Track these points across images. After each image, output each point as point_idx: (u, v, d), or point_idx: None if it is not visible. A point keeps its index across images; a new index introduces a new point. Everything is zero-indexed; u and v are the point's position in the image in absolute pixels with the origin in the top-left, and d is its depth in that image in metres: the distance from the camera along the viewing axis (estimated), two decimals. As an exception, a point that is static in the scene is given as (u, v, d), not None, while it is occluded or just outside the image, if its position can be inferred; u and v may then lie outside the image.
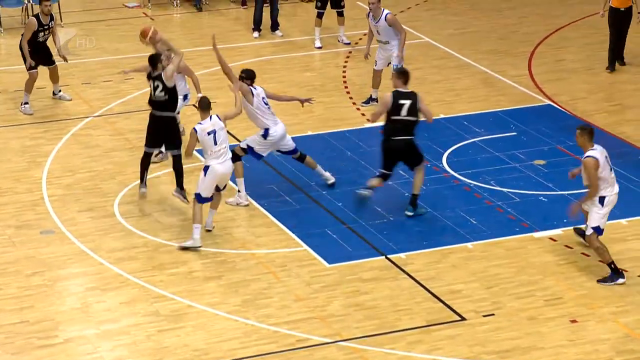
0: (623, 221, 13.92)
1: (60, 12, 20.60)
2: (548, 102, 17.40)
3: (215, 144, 13.24)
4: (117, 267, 12.93)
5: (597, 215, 12.56)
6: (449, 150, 15.74)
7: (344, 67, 18.92)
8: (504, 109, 17.10)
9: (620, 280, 12.60)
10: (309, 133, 16.45)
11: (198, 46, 19.69)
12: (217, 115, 13.42)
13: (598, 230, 12.57)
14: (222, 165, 13.33)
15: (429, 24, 20.70)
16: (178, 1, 21.81)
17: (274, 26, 20.40)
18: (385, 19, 16.60)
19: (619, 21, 18.19)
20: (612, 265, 12.64)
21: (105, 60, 18.99)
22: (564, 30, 20.29)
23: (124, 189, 14.75)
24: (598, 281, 12.67)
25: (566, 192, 14.62)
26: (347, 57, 19.37)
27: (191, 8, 21.66)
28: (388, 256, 13.19)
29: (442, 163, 15.45)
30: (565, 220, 13.83)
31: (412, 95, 13.78)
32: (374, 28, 16.83)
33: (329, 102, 17.49)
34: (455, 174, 15.14)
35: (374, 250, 13.31)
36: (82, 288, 12.60)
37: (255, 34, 20.35)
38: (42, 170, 15.25)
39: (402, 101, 13.72)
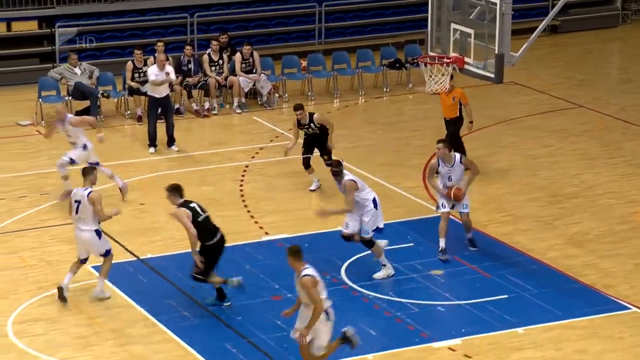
0: (519, 330, 14.09)
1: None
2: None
3: (76, 213, 14.55)
4: (11, 388, 12.63)
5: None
6: (347, 262, 15.82)
7: (241, 180, 19.00)
8: (400, 220, 17.29)
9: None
10: (207, 247, 16.41)
11: (93, 162, 19.59)
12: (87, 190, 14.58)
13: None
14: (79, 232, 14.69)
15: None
16: (72, 118, 21.73)
17: (170, 141, 20.45)
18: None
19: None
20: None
21: (0, 178, 18.81)
22: (456, 143, 20.73)
23: (18, 307, 14.46)
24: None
25: (464, 302, 14.78)
26: (244, 171, 19.47)
27: (85, 125, 21.56)
28: (289, 370, 13.13)
29: (340, 275, 15.50)
30: (463, 330, 13.99)
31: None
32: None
33: (227, 215, 17.49)
34: (354, 286, 15.20)
35: (274, 363, 13.25)
36: (-25, 411, 12.26)
37: (151, 149, 20.36)
38: None
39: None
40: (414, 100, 23.24)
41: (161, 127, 20.39)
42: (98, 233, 14.69)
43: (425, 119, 21.99)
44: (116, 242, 16.47)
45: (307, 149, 18.54)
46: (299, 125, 18.40)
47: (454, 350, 13.60)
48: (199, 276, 14.43)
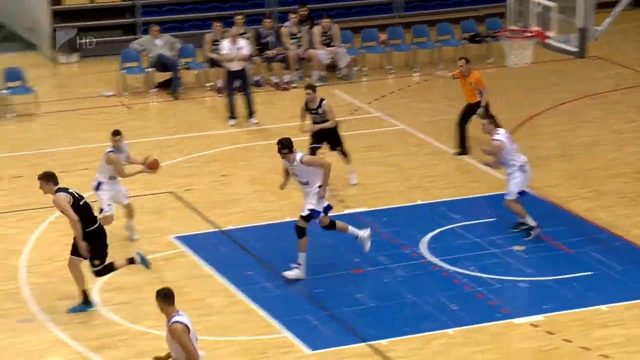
0: (603, 307, 13.95)
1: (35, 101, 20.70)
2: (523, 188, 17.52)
3: None
4: (97, 355, 12.79)
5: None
6: (427, 236, 15.78)
7: (321, 154, 18.95)
8: (481, 194, 17.20)
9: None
10: (287, 219, 16.46)
11: (173, 134, 19.78)
12: None
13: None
14: None
15: (405, 112, 20.91)
16: (154, 90, 21.94)
17: (250, 113, 20.54)
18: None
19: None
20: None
21: (84, 148, 19.02)
22: (537, 118, 20.54)
23: (103, 276, 14.65)
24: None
25: (546, 278, 14.67)
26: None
27: (167, 96, 21.80)
28: (369, 342, 13.12)
29: (420, 249, 15.48)
30: (545, 307, 13.89)
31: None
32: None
33: (307, 188, 17.54)
34: (434, 260, 15.17)
35: (355, 336, 13.25)
36: (63, 377, 12.48)
37: (231, 121, 20.47)
38: (20, 259, 15.15)
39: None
40: (493, 75, 23.03)
41: (242, 100, 20.49)
42: (98, 186, 15.30)
43: (505, 93, 21.80)
44: (198, 212, 16.63)
45: (316, 138, 17.19)
46: (307, 108, 17.15)
47: (536, 327, 13.51)
48: (99, 269, 13.72)
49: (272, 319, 13.65)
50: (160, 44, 22.01)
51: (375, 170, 18.34)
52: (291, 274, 14.54)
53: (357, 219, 16.36)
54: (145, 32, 22.99)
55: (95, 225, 13.70)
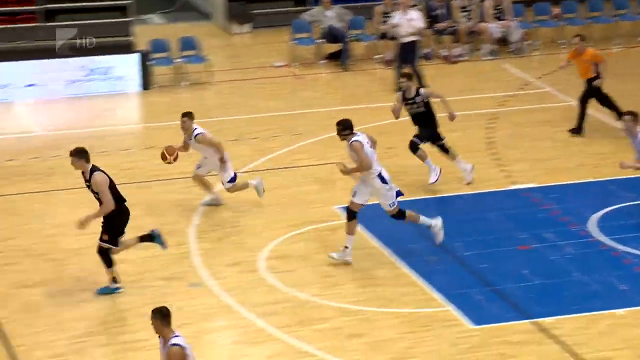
0: None
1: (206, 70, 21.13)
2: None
3: None
4: (261, 321, 13.03)
5: None
6: (596, 215, 15.48)
7: (489, 128, 18.82)
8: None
9: None
10: (453, 193, 16.39)
11: (342, 105, 19.89)
12: None
13: None
14: None
15: (575, 88, 20.45)
16: (324, 61, 22.11)
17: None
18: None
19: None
20: None
21: (255, 117, 19.33)
22: None
23: (269, 244, 14.91)
24: None
25: None
26: (492, 118, 19.28)
27: (337, 68, 21.94)
28: (534, 320, 12.99)
29: (588, 227, 15.19)
30: None
31: None
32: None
33: (474, 163, 17.40)
34: (603, 239, 14.87)
35: (519, 313, 13.13)
36: (228, 341, 12.72)
37: (399, 94, 20.43)
38: (191, 224, 15.53)
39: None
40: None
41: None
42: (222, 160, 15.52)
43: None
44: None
45: (423, 136, 16.28)
46: (403, 98, 16.12)
47: None
48: (105, 245, 13.35)
49: (436, 292, 13.64)
50: (330, 15, 22.16)
51: (544, 145, 18.08)
52: (438, 238, 14.41)
53: (525, 195, 16.18)
54: (316, 3, 23.17)
55: (122, 204, 13.41)
